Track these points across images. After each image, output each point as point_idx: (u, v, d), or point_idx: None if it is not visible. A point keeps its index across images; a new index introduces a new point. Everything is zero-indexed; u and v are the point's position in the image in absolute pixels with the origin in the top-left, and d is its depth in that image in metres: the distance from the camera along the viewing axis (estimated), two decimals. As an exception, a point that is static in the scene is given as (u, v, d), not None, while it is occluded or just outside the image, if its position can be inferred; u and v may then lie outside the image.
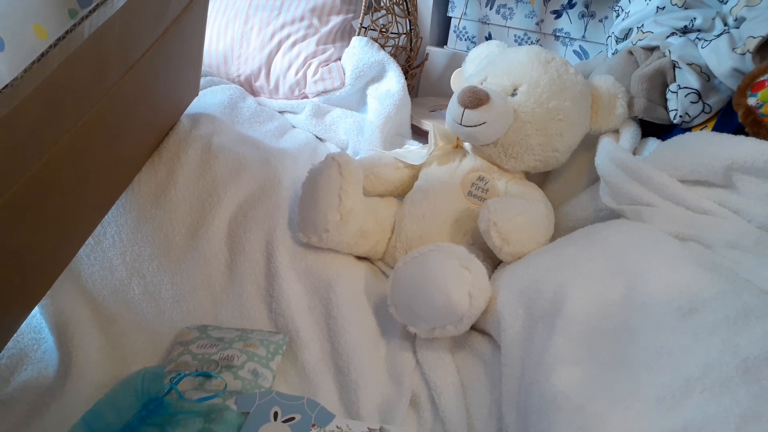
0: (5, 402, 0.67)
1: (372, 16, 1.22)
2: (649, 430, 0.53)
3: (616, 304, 0.64)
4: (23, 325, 0.73)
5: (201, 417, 0.63)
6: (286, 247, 0.82)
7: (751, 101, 0.71)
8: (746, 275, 0.64)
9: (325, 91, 1.19)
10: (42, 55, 0.50)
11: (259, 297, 0.81)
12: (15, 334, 0.72)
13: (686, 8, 0.94)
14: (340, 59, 1.21)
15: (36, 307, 0.74)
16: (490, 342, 0.76)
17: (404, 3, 1.28)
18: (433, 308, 0.70)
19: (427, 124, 1.20)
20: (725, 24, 0.89)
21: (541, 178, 0.96)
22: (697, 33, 0.90)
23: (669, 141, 0.78)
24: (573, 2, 1.28)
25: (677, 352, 0.57)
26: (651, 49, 0.92)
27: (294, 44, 1.20)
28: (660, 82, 0.87)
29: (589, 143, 0.89)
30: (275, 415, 0.66)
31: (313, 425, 0.66)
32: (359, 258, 0.87)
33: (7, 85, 0.47)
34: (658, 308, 0.62)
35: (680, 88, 0.84)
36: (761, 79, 0.71)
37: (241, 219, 0.85)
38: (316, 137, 1.16)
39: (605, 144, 0.83)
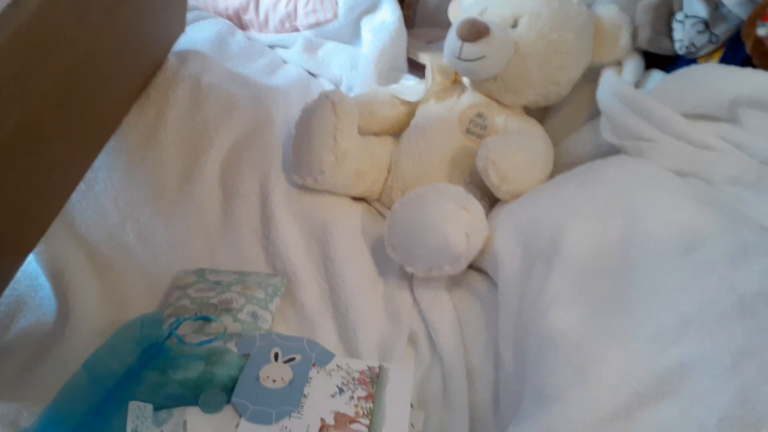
0: (6, 348, 0.67)
1: (364, -59, 1.16)
2: (645, 367, 0.53)
3: (615, 242, 0.64)
4: (19, 272, 0.72)
5: (202, 360, 0.64)
6: (280, 189, 0.81)
7: (761, 32, 0.68)
8: (746, 211, 0.64)
9: (317, 24, 1.15)
10: (16, -1, 0.47)
11: (255, 240, 0.80)
12: (11, 282, 0.72)
13: (695, -70, 0.89)
14: (332, -11, 1.16)
15: (31, 255, 0.73)
16: (486, 280, 0.76)
17: (398, -73, 1.21)
18: (430, 249, 0.70)
19: (424, 57, 1.16)
20: (736, -53, 0.84)
21: (541, 113, 0.93)
22: (706, -43, 0.86)
23: (674, 74, 0.76)
24: (576, -76, 1.22)
25: (675, 291, 0.57)
26: (657, -24, 0.88)
27: (283, -26, 1.15)
28: (666, 12, 0.84)
29: (590, 76, 0.87)
30: (276, 356, 0.67)
31: (314, 365, 0.67)
32: (355, 199, 0.86)
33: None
34: (657, 247, 0.61)
35: (687, 17, 0.80)
36: (772, 7, 0.68)
37: (234, 161, 0.83)
38: (309, 73, 1.13)
39: (607, 77, 0.81)
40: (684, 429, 0.48)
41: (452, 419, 0.65)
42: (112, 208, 0.80)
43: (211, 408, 0.60)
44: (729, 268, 0.56)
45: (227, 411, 0.60)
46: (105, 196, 0.80)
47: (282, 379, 0.64)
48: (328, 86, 1.10)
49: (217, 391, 0.61)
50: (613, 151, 0.79)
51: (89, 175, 0.80)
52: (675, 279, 0.58)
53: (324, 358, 0.68)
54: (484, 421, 0.66)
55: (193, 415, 0.59)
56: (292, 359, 0.67)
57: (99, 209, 0.80)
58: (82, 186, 0.80)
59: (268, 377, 0.64)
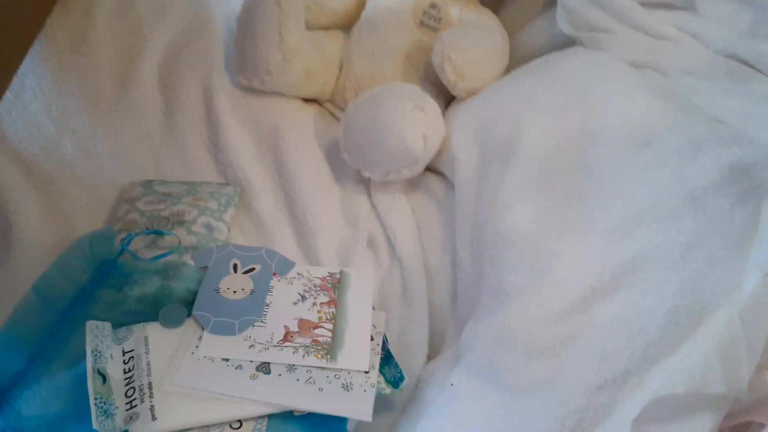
0: (-53, 274, 0.64)
1: None
2: (599, 262, 0.55)
3: (572, 138, 0.64)
4: (-50, 193, 0.68)
5: (158, 275, 0.62)
6: (225, 92, 0.77)
7: None
8: (700, 103, 0.64)
9: None
10: None
11: (202, 148, 0.76)
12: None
13: None
14: None
15: (-40, 173, 0.69)
16: (443, 181, 0.76)
17: None
18: (387, 152, 0.68)
19: (370, -59, 1.09)
20: None
21: (496, 3, 0.90)
22: None
23: (633, -40, 0.73)
24: None
25: (629, 185, 0.58)
26: None
27: None
28: None
29: (547, -38, 0.83)
30: (235, 267, 0.66)
31: (274, 274, 0.66)
32: (306, 100, 0.82)
33: None
34: (612, 142, 0.62)
35: None
36: None
37: (172, 62, 0.78)
38: (248, -39, 1.04)
39: (564, -37, 0.77)
40: (636, 320, 0.50)
41: (412, 318, 0.67)
42: (46, 119, 0.75)
43: (171, 322, 0.59)
44: (681, 161, 0.57)
45: (189, 324, 0.60)
46: (36, 105, 0.75)
47: (243, 289, 0.64)
48: (270, -24, 1.02)
49: (176, 305, 0.61)
50: (569, 42, 0.77)
51: (15, 82, 0.74)
52: (629, 173, 0.59)
53: (284, 266, 0.67)
54: (443, 319, 0.68)
55: (153, 330, 0.58)
56: (252, 270, 0.66)
57: (31, 120, 0.74)
58: (8, 95, 0.74)
59: (228, 289, 0.63)
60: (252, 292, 0.64)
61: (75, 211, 0.72)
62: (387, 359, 0.60)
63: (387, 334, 0.63)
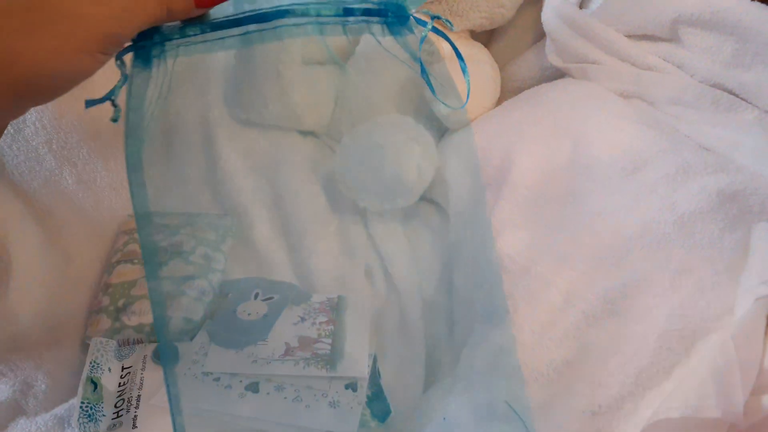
0: (-53, 306, 0.65)
1: None
2: (589, 289, 0.56)
3: (562, 167, 0.65)
4: (-49, 226, 0.69)
5: (156, 304, 0.64)
6: (223, 124, 0.78)
7: (704, -51, 0.68)
8: (686, 131, 0.66)
9: (250, -56, 1.08)
10: None
11: (200, 179, 0.78)
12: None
13: None
14: None
15: (-39, 207, 0.70)
16: (438, 211, 0.77)
17: None
18: (382, 183, 0.70)
19: (365, -22, 1.11)
20: None
21: (487, 37, 0.92)
22: None
23: (618, -6, 0.75)
24: None
25: (619, 213, 0.59)
26: None
27: None
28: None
29: (535, -4, 0.85)
30: (256, 295, 0.68)
31: (290, 306, 0.67)
32: (303, 133, 0.84)
33: None
34: (602, 170, 0.63)
35: (631, -67, 0.79)
36: None
37: (172, 96, 0.79)
38: (246, -3, 1.07)
39: (552, -2, 0.80)
40: (627, 347, 0.51)
41: (409, 348, 0.67)
42: (46, 152, 0.76)
43: (166, 361, 0.60)
44: (669, 188, 0.59)
45: (186, 349, 0.61)
46: (37, 140, 0.76)
47: (257, 313, 0.65)
48: (267, 12, 1.04)
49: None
50: (558, 74, 0.79)
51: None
52: (619, 201, 0.60)
53: (300, 297, 0.69)
54: (440, 348, 0.68)
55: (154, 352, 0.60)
56: (270, 298, 0.68)
57: (32, 154, 0.75)
58: (10, 129, 0.75)
59: (244, 311, 0.65)
60: (264, 315, 0.65)
61: (74, 243, 0.73)
62: (377, 395, 0.61)
63: (381, 366, 0.64)
